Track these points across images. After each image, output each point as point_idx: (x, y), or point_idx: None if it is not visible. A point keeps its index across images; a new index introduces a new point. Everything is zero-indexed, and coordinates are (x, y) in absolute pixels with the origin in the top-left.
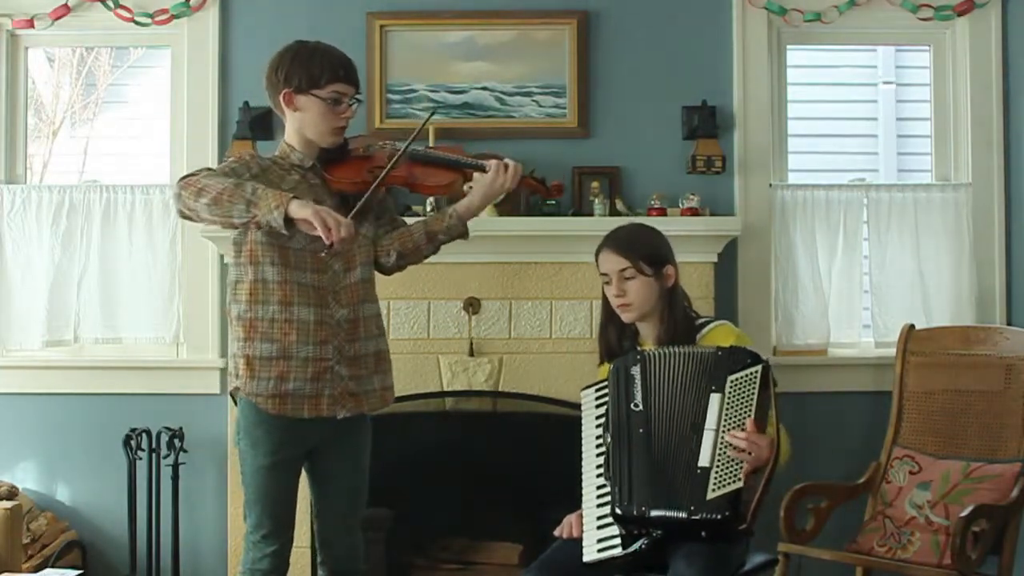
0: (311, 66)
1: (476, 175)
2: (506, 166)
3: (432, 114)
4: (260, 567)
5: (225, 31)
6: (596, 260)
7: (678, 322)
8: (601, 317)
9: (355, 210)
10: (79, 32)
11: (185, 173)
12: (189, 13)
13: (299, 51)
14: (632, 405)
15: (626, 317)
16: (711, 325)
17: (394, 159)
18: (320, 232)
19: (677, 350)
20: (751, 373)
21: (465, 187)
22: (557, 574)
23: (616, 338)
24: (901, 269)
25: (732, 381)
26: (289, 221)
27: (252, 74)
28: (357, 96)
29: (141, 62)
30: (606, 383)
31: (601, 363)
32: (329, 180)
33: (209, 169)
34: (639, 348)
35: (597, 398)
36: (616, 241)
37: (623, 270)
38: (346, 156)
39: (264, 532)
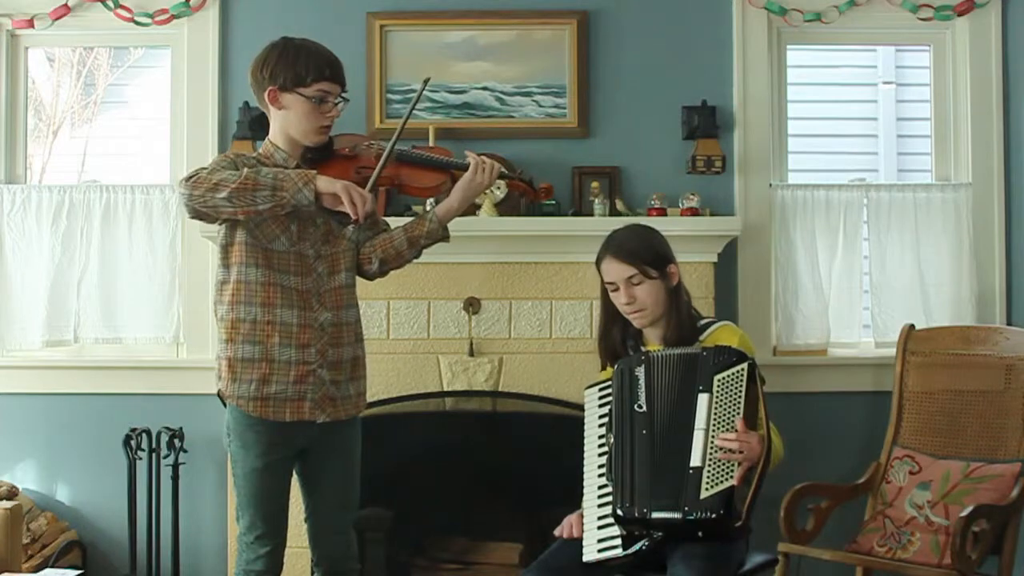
0: (297, 64)
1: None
2: (483, 164)
3: (423, 90)
4: (254, 568)
5: (225, 31)
6: (598, 269)
7: (683, 321)
8: (601, 321)
9: (370, 183)
10: (79, 32)
11: (184, 176)
12: (189, 13)
13: (285, 48)
14: (636, 406)
15: (639, 323)
16: (714, 325)
17: (382, 159)
18: (347, 207)
19: (676, 352)
20: (737, 371)
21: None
22: (557, 574)
23: (620, 339)
24: (901, 269)
25: (719, 380)
26: (316, 198)
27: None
28: (343, 95)
29: (141, 62)
30: (610, 383)
31: (604, 368)
32: None
33: (203, 169)
34: (643, 349)
35: (600, 397)
36: (618, 248)
37: (630, 277)
38: (331, 156)
39: (257, 533)
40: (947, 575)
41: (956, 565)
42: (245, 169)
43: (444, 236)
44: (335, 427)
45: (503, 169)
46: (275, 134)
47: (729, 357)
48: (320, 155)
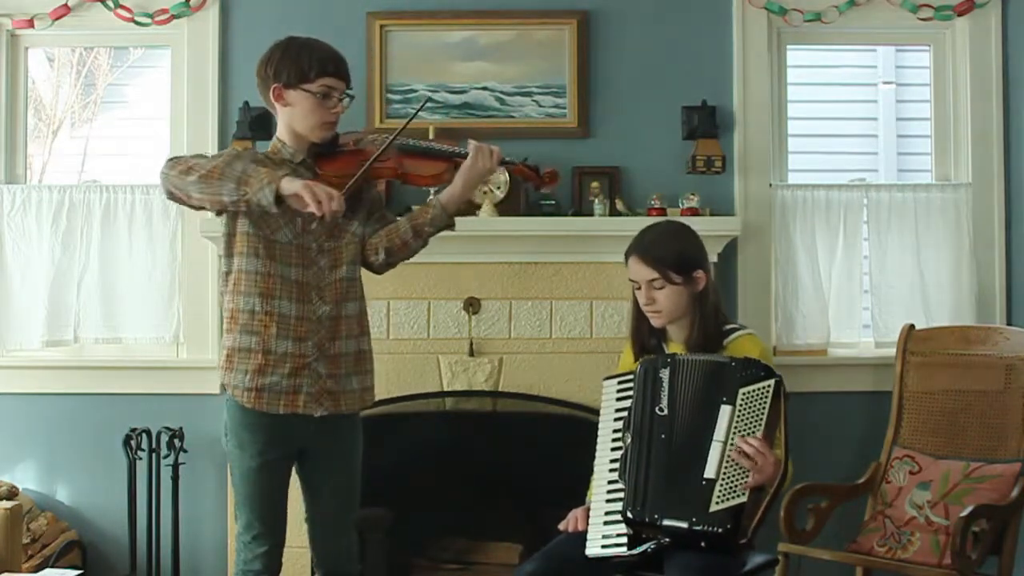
0: (300, 61)
1: None
2: (483, 148)
3: (423, 105)
4: (252, 568)
5: (225, 31)
6: (625, 262)
7: (707, 327)
8: (633, 313)
9: (348, 186)
10: (79, 32)
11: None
12: (189, 13)
13: (288, 46)
14: (657, 408)
15: (656, 322)
16: (737, 333)
17: (380, 149)
18: (311, 206)
19: (703, 358)
20: (763, 387)
21: None
22: (558, 566)
23: (648, 334)
24: (901, 269)
25: (744, 394)
26: (280, 201)
27: (252, 74)
28: (348, 92)
29: (141, 62)
30: (629, 376)
31: (636, 360)
32: (320, 175)
33: (200, 155)
34: (666, 350)
35: (619, 391)
36: (645, 250)
37: (652, 280)
38: (337, 151)
39: (254, 533)
40: (947, 575)
41: (956, 565)
42: (220, 159)
43: (449, 223)
44: (334, 426)
45: (505, 156)
46: (281, 131)
47: (757, 371)
48: (326, 150)
